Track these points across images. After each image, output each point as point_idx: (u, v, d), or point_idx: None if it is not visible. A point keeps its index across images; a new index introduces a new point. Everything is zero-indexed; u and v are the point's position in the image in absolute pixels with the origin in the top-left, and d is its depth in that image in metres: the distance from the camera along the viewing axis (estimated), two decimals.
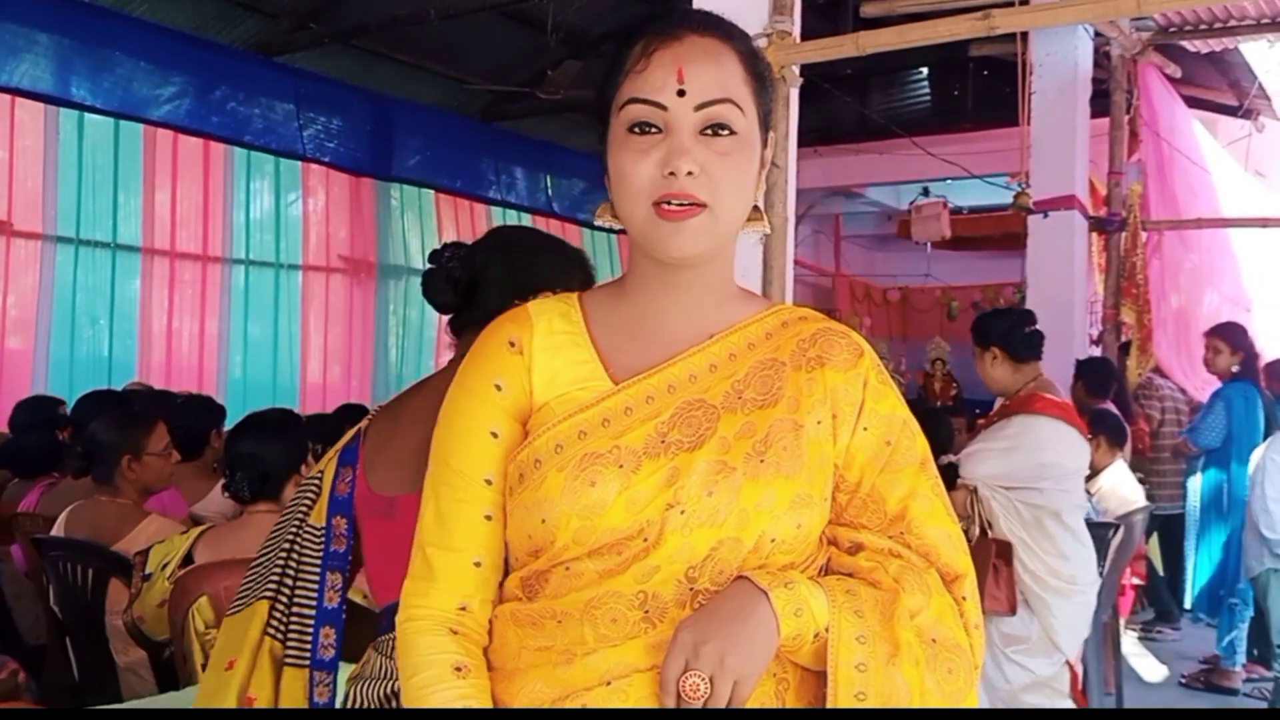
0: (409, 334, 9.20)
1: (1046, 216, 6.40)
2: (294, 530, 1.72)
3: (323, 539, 1.68)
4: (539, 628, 1.14)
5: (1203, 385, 6.48)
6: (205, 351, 7.80)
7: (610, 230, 9.14)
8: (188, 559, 2.57)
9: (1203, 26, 6.48)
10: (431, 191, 9.36)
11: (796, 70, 3.57)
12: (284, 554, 1.71)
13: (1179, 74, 7.18)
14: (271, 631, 1.66)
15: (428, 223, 9.42)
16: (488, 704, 1.15)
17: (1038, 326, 3.79)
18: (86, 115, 6.95)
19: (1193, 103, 7.71)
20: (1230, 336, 5.88)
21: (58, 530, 3.13)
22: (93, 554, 2.96)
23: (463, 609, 1.19)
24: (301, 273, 8.44)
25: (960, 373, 12.09)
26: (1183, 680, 5.44)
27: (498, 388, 1.21)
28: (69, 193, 6.92)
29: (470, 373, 1.25)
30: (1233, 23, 6.38)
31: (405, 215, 9.27)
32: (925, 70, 9.93)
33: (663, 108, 1.14)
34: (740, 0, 3.66)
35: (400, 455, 1.60)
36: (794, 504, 1.14)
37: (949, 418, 5.08)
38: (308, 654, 1.64)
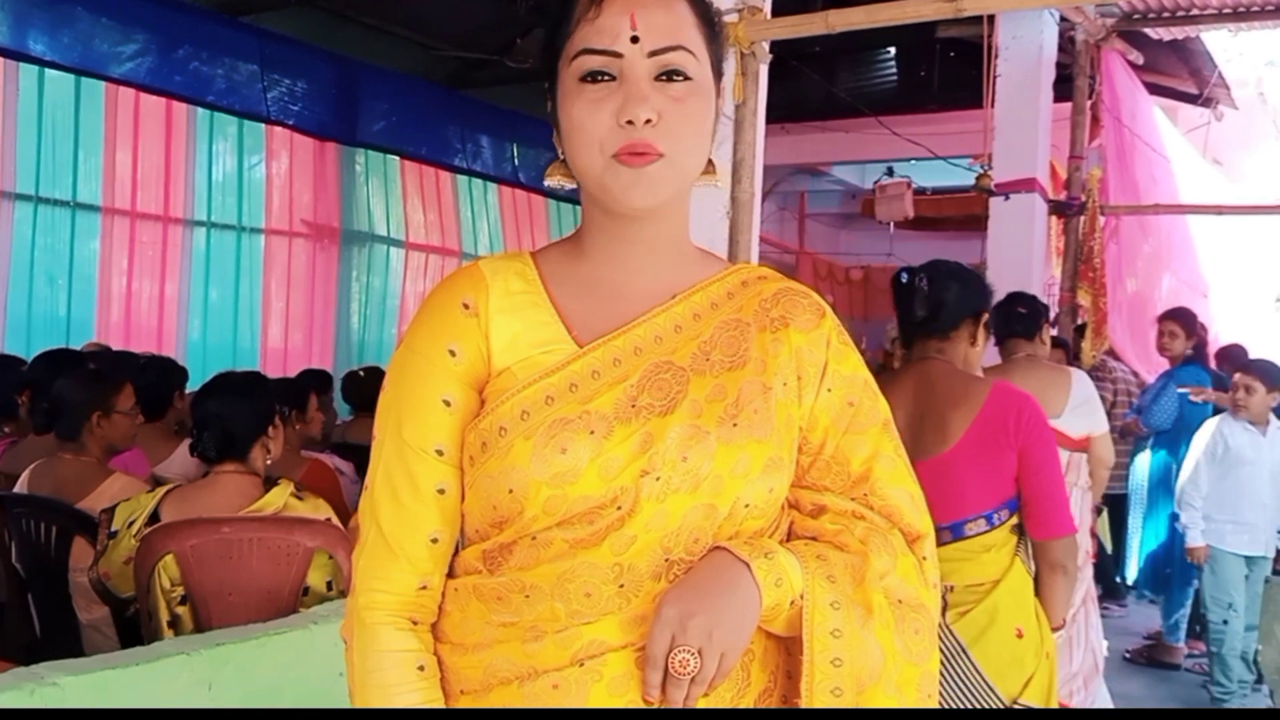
0: (371, 300, 9.15)
1: (1008, 199, 6.49)
2: None
3: None
4: (504, 602, 1.11)
5: (1155, 368, 6.62)
6: (165, 313, 7.72)
7: (574, 201, 9.08)
8: (154, 517, 2.58)
9: (1166, 14, 6.57)
10: (397, 158, 9.28)
11: (766, 46, 3.60)
12: None
13: (1141, 61, 7.28)
14: None
15: (392, 189, 9.35)
16: (441, 699, 1.13)
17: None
18: (47, 71, 6.82)
19: (1154, 90, 7.82)
20: (1185, 321, 6.00)
21: (20, 487, 3.13)
22: (56, 511, 2.97)
23: (423, 588, 1.16)
24: (264, 236, 8.35)
25: None
26: (1126, 655, 5.60)
27: (451, 353, 1.15)
28: (28, 150, 6.81)
29: (420, 335, 1.18)
30: (1195, 11, 6.48)
31: (370, 181, 9.18)
32: (893, 50, 9.95)
33: (617, 55, 1.11)
34: None
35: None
36: (767, 467, 1.13)
37: None
38: None
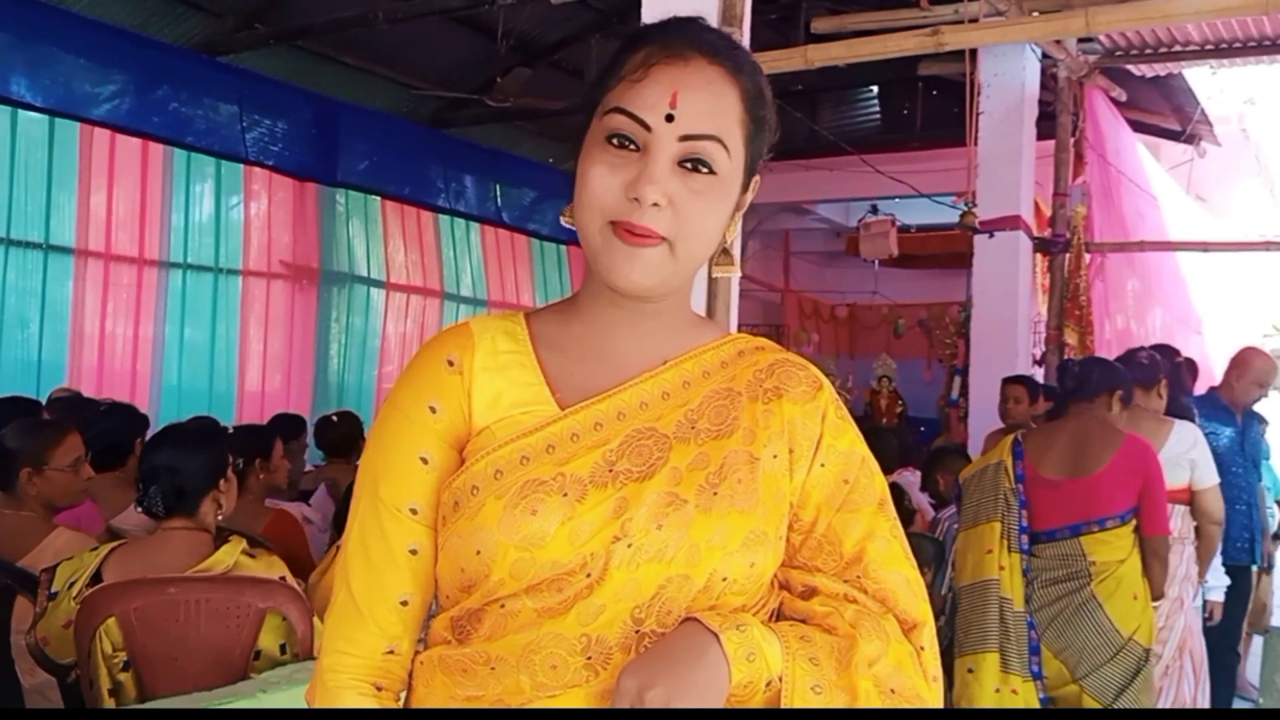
0: (351, 342, 9.02)
1: (992, 236, 6.44)
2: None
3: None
4: (470, 675, 1.07)
5: None
6: (139, 357, 7.59)
7: (557, 241, 9.02)
8: (97, 577, 2.45)
9: (1148, 50, 6.56)
10: (378, 198, 9.19)
11: None
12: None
13: (1124, 97, 7.26)
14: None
15: (373, 229, 9.25)
16: None
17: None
18: (20, 112, 6.74)
19: (1137, 126, 7.81)
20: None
21: None
22: None
23: (390, 653, 1.13)
24: (241, 278, 8.24)
25: (906, 390, 12.15)
26: None
27: (432, 409, 1.12)
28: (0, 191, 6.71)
29: (403, 392, 1.16)
30: (1177, 47, 6.46)
31: (350, 221, 9.09)
32: (875, 88, 9.96)
33: (646, 127, 1.06)
34: (689, 8, 3.62)
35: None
36: (747, 541, 1.08)
37: (893, 437, 5.03)
38: None
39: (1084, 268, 6.72)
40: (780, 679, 1.04)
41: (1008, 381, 5.76)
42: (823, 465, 1.15)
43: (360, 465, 1.18)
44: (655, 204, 1.05)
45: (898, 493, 4.49)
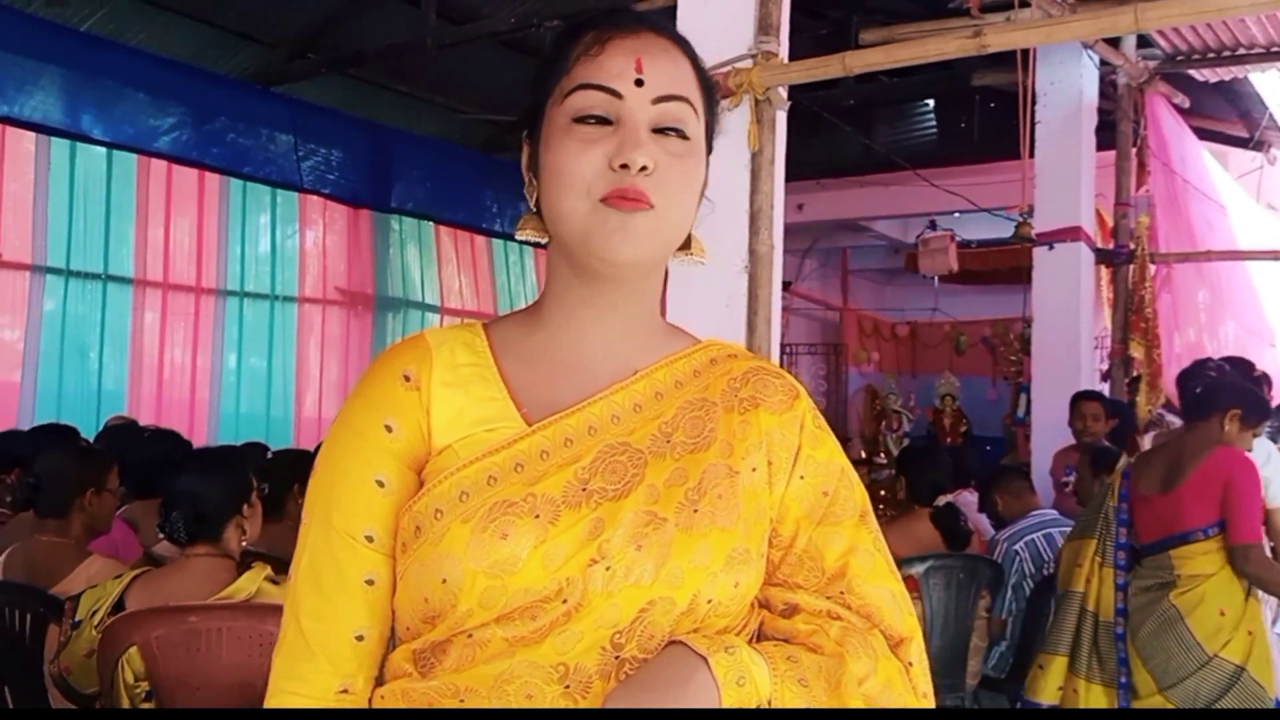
0: None
1: (1052, 248, 6.27)
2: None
3: None
4: (436, 710, 1.00)
5: None
6: (197, 384, 7.70)
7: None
8: (119, 605, 2.41)
9: (1210, 54, 6.34)
10: (432, 223, 9.27)
11: (784, 92, 3.44)
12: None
13: (1187, 104, 7.04)
14: None
15: (427, 255, 9.33)
16: None
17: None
18: (79, 145, 6.88)
19: (1202, 134, 7.56)
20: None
21: None
22: (30, 598, 2.81)
23: (344, 692, 1.05)
24: (298, 305, 8.34)
25: (970, 408, 11.90)
26: None
27: (388, 429, 1.05)
28: (59, 223, 6.84)
29: (355, 410, 1.08)
30: (1241, 50, 6.24)
31: (405, 248, 9.17)
32: (931, 103, 9.81)
33: (618, 95, 1.03)
34: (725, 20, 3.56)
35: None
36: (731, 560, 1.02)
37: (947, 455, 4.87)
38: None
39: (1149, 279, 6.50)
40: (770, 703, 0.99)
41: (1082, 398, 5.60)
42: (802, 478, 1.10)
43: (309, 489, 1.10)
44: (644, 167, 1.01)
45: (952, 513, 4.33)
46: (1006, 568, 4.37)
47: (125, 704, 2.32)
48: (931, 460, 4.60)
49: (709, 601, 1.01)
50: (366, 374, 1.11)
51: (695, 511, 1.02)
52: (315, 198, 8.34)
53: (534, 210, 1.10)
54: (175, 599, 2.40)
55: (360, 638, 1.05)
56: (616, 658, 0.98)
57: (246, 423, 7.76)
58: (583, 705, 0.97)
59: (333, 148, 8.38)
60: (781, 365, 1.26)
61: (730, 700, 0.96)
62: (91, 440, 4.67)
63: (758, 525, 1.06)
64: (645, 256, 1.04)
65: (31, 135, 6.63)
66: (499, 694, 0.97)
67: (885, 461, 11.46)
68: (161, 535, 2.53)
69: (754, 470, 1.07)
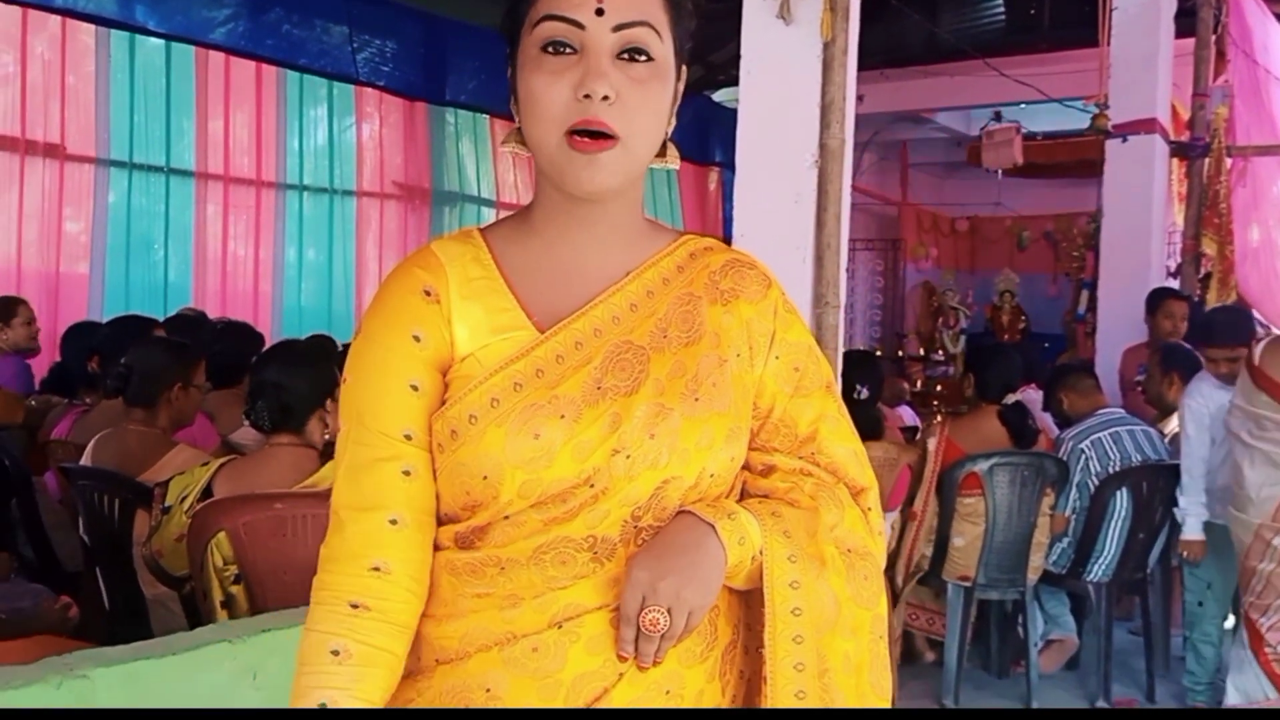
0: None
1: (1125, 141, 6.10)
2: None
3: None
4: (478, 575, 1.13)
5: None
6: (260, 278, 7.78)
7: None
8: (207, 492, 2.48)
9: None
10: (487, 116, 9.16)
11: None
12: None
13: None
14: None
15: (483, 148, 9.26)
16: (359, 693, 1.09)
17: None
18: (138, 38, 6.86)
19: None
20: None
21: (85, 458, 3.08)
22: (119, 484, 2.90)
23: (376, 569, 1.12)
24: (356, 199, 8.36)
25: (1029, 306, 11.75)
26: None
27: (416, 339, 1.15)
28: (121, 117, 6.87)
29: (382, 323, 1.18)
30: None
31: (460, 141, 9.10)
32: None
33: (580, 26, 1.10)
34: None
35: None
36: (729, 437, 1.18)
37: (1015, 353, 4.82)
38: None
39: (1225, 173, 6.31)
40: (761, 553, 1.15)
41: (1169, 297, 5.51)
42: (777, 357, 1.25)
43: (344, 399, 1.18)
44: (605, 97, 1.09)
45: (1020, 411, 4.31)
46: (1072, 465, 4.37)
47: (215, 587, 2.41)
48: (1002, 358, 4.57)
49: (711, 475, 1.17)
50: (388, 288, 1.19)
51: (696, 400, 1.16)
52: (371, 90, 8.26)
53: (518, 126, 1.18)
54: (261, 487, 2.47)
55: (394, 521, 1.13)
56: (635, 527, 1.14)
57: (309, 316, 7.87)
58: (608, 566, 1.12)
59: (387, 39, 8.25)
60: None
61: (734, 557, 1.13)
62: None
63: (744, 404, 1.21)
64: (615, 185, 1.14)
65: (90, 28, 6.60)
66: (536, 561, 1.11)
67: (942, 358, 11.41)
68: (246, 422, 2.58)
69: (738, 356, 1.21)
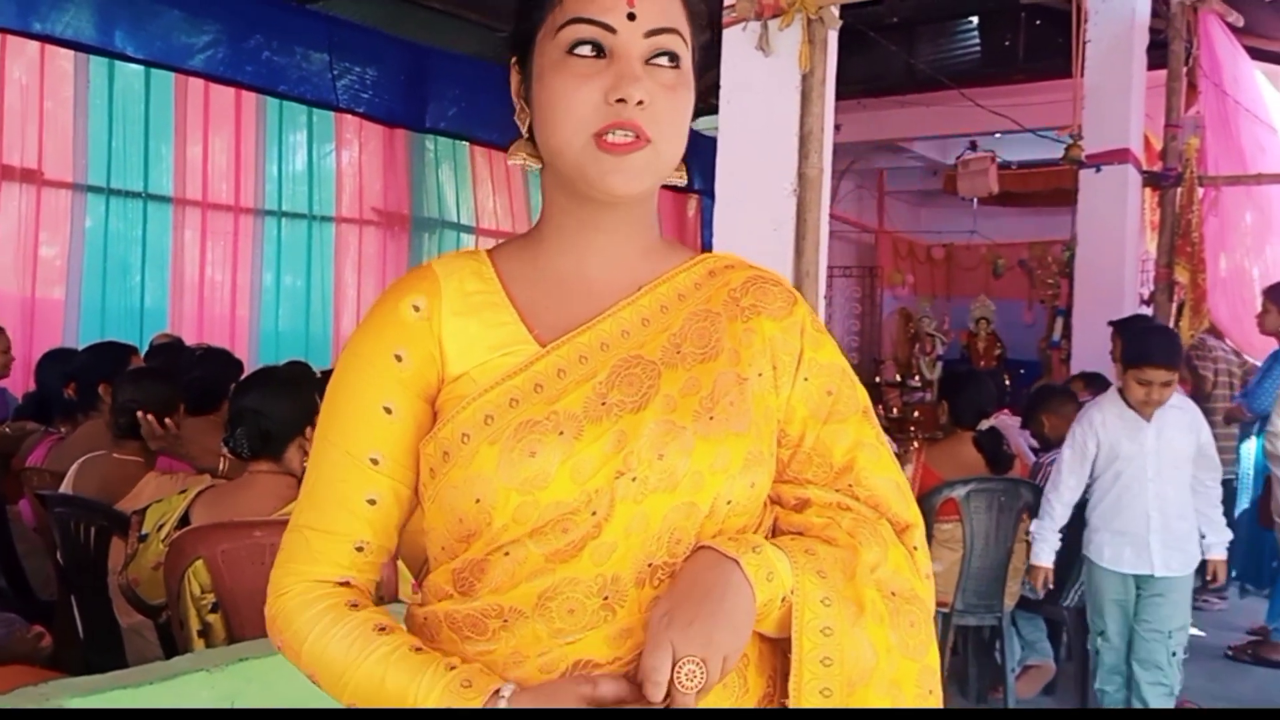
0: None
1: (1099, 171, 6.18)
2: None
3: None
4: (480, 630, 1.05)
5: (1260, 349, 6.23)
6: (237, 303, 7.76)
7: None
8: (185, 520, 2.47)
9: None
10: (466, 143, 9.20)
11: (835, 11, 3.38)
12: None
13: (1241, 23, 6.84)
14: None
15: (462, 175, 9.28)
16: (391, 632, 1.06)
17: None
18: (117, 64, 6.86)
19: (1256, 54, 7.36)
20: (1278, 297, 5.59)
21: (66, 486, 3.06)
22: (95, 512, 2.89)
23: (344, 584, 1.10)
24: (335, 225, 8.36)
25: (1005, 332, 11.83)
26: (1229, 653, 5.27)
27: (398, 358, 1.10)
28: (99, 142, 6.85)
29: (365, 340, 1.12)
30: None
31: (440, 167, 9.13)
32: (975, 19, 9.59)
33: (611, 30, 1.06)
34: None
35: None
36: (747, 462, 1.08)
37: (990, 380, 4.86)
38: None
39: (1197, 202, 6.39)
40: (792, 594, 1.04)
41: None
42: (806, 379, 1.15)
43: (320, 417, 1.15)
44: (640, 102, 1.04)
45: (995, 437, 4.34)
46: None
47: (192, 615, 2.39)
48: (975, 384, 4.60)
49: (728, 503, 1.06)
50: (376, 305, 1.15)
51: (711, 419, 1.06)
52: (350, 117, 8.28)
53: (526, 137, 1.14)
54: (239, 515, 2.45)
55: (360, 548, 1.10)
56: (649, 565, 1.04)
57: (287, 341, 7.84)
58: (621, 614, 1.02)
59: (368, 66, 8.28)
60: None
61: (763, 595, 1.02)
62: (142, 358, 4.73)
63: (767, 427, 1.11)
64: (641, 189, 1.09)
65: (69, 54, 6.60)
66: (543, 610, 1.02)
67: (919, 384, 11.46)
68: (225, 449, 2.57)
69: (760, 375, 1.12)
